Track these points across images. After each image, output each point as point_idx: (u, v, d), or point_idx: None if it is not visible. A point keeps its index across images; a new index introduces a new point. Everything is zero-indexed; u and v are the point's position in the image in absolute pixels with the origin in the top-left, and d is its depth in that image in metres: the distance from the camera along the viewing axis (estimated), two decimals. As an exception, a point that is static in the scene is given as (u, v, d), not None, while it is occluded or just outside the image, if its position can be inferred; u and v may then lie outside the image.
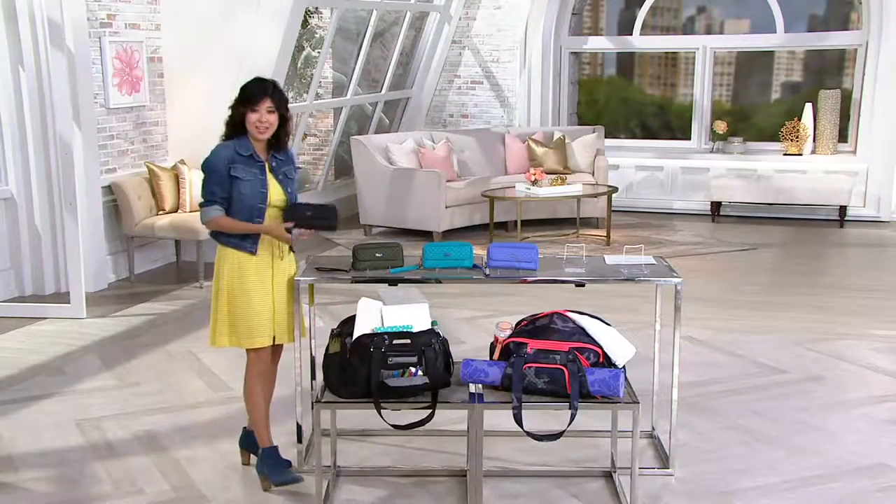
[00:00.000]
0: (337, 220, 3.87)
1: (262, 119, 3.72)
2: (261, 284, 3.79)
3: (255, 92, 3.72)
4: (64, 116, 6.37)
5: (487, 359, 3.75)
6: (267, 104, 3.71)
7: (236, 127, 3.77)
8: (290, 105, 3.90)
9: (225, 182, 3.72)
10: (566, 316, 3.71)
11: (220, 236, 3.81)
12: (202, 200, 3.78)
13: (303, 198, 9.55)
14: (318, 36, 11.39)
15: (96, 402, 4.89)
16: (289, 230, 3.77)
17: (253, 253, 3.78)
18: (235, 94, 3.78)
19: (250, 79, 3.84)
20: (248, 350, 3.87)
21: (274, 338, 3.86)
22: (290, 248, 3.94)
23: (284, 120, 3.80)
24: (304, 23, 10.39)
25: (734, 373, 5.32)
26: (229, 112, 3.79)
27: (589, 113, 11.70)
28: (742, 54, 11.12)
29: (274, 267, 3.84)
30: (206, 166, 3.76)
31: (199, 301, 6.85)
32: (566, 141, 9.88)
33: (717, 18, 11.24)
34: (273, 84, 3.78)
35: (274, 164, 3.83)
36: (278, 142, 3.82)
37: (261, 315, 3.79)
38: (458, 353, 3.99)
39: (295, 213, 3.81)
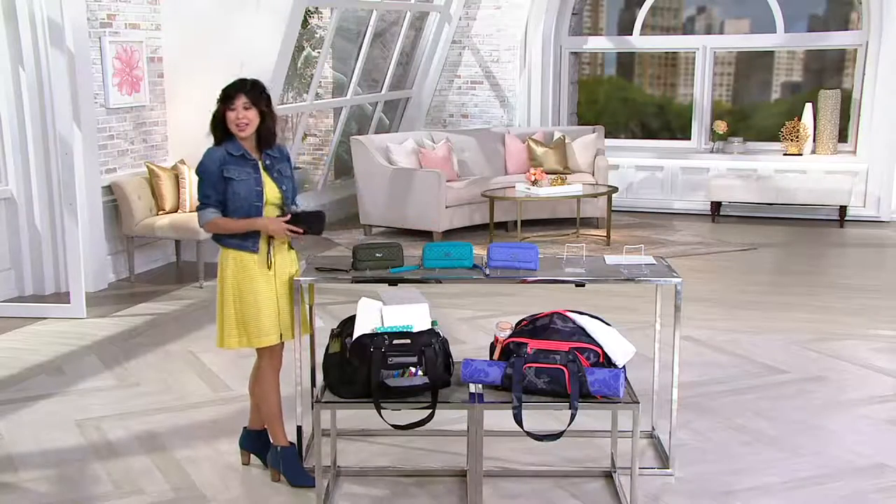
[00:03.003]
0: (322, 228, 3.85)
1: (240, 116, 3.71)
2: (266, 283, 3.80)
3: (230, 90, 3.74)
4: (64, 116, 6.37)
5: (487, 359, 3.75)
6: (242, 100, 3.71)
7: (221, 128, 3.78)
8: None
9: (219, 184, 3.73)
10: (566, 316, 3.71)
11: (221, 238, 3.82)
12: (198, 204, 3.80)
13: (303, 197, 9.56)
14: (318, 36, 11.37)
15: (96, 402, 4.89)
16: (287, 222, 3.75)
17: (255, 252, 3.78)
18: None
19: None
20: (259, 350, 3.87)
21: (280, 335, 3.86)
22: (290, 246, 3.94)
23: (265, 115, 3.79)
24: (304, 23, 10.37)
25: (734, 373, 5.32)
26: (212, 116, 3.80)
27: (589, 113, 11.70)
28: (742, 54, 11.12)
29: (276, 263, 3.84)
30: (199, 170, 3.78)
31: (199, 301, 6.85)
32: (566, 141, 9.88)
33: (717, 18, 11.24)
34: (252, 82, 3.79)
35: (268, 162, 3.83)
36: (261, 138, 3.81)
37: (268, 313, 3.79)
38: (458, 353, 3.98)
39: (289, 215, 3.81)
